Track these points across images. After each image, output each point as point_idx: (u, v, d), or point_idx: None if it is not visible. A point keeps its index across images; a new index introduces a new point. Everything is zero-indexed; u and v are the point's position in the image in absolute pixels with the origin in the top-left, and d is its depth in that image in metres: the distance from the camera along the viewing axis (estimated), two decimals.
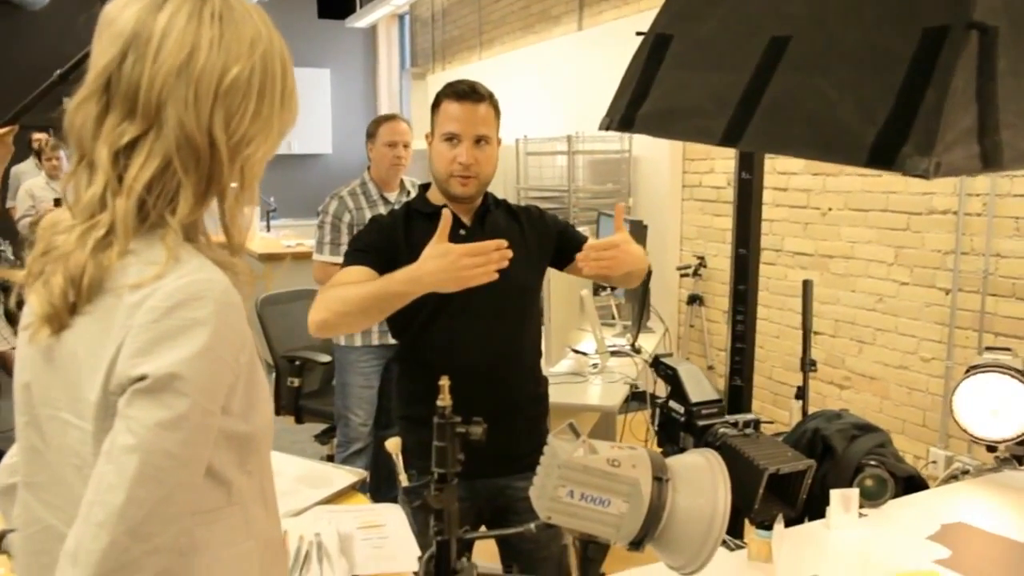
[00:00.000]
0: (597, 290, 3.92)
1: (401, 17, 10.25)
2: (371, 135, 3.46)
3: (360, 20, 9.04)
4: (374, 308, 1.72)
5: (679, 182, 5.36)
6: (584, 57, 6.10)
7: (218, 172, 0.94)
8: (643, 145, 5.47)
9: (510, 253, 1.63)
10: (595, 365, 3.34)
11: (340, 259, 3.16)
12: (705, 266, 5.14)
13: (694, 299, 5.19)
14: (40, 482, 0.99)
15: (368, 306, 1.71)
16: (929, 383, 3.78)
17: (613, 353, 3.47)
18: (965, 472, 3.53)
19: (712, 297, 5.14)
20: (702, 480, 1.16)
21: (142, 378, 0.84)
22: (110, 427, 0.86)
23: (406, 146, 3.47)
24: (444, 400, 1.25)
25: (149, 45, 0.91)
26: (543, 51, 6.73)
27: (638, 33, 1.48)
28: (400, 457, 1.95)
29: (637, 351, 3.55)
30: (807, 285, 2.37)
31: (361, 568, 1.58)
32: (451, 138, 1.88)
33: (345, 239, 3.33)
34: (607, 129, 1.49)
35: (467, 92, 1.90)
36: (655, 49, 1.43)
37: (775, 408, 4.57)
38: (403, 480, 1.94)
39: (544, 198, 5.91)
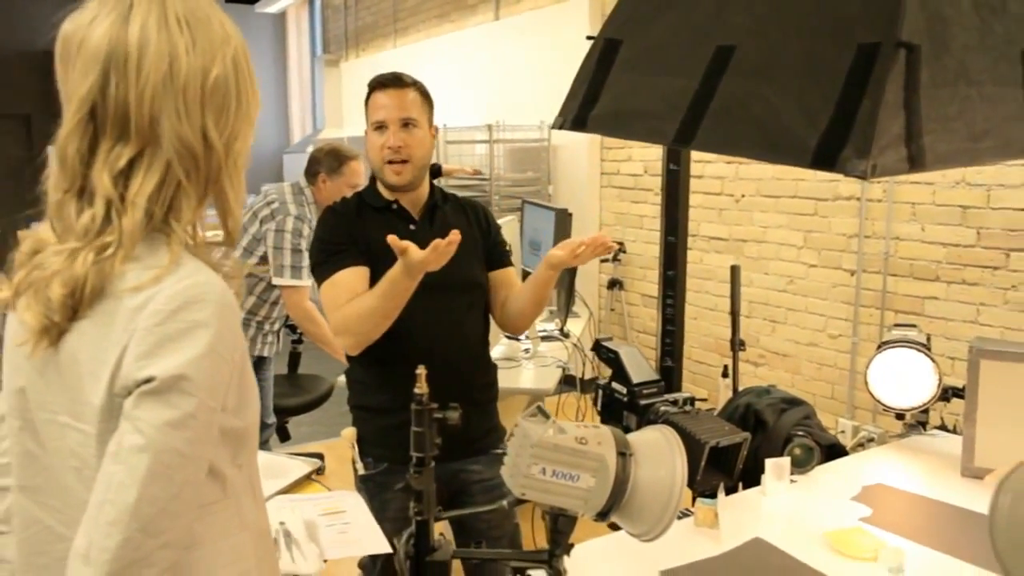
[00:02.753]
0: (524, 277, 4.02)
1: (311, 2, 10.09)
2: (334, 170, 3.33)
3: (269, 5, 8.87)
4: (390, 308, 1.81)
5: (597, 170, 5.51)
6: (502, 47, 6.18)
7: (216, 172, 0.97)
8: (562, 134, 5.57)
9: (457, 238, 1.70)
10: (527, 350, 3.45)
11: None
12: (624, 251, 5.31)
13: (614, 283, 5.36)
14: (37, 485, 1.00)
15: (383, 311, 1.81)
16: (837, 358, 4.03)
17: (543, 338, 3.59)
18: (870, 440, 3.80)
19: (632, 281, 5.32)
20: (661, 454, 1.26)
21: (149, 380, 0.87)
22: (114, 428, 0.88)
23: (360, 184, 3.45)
24: (421, 388, 1.32)
25: (128, 63, 0.92)
26: (460, 40, 6.77)
27: (588, 37, 1.57)
28: (356, 446, 2.02)
29: (566, 335, 3.68)
30: (735, 270, 2.52)
31: (329, 553, 1.64)
32: (379, 126, 1.93)
33: (306, 258, 3.25)
34: (560, 128, 1.58)
35: (391, 80, 1.97)
36: (605, 53, 1.52)
37: (695, 387, 4.78)
38: (360, 468, 2.00)
39: (465, 187, 5.97)
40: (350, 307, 1.85)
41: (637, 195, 5.20)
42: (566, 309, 3.78)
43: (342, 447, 2.15)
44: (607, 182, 5.46)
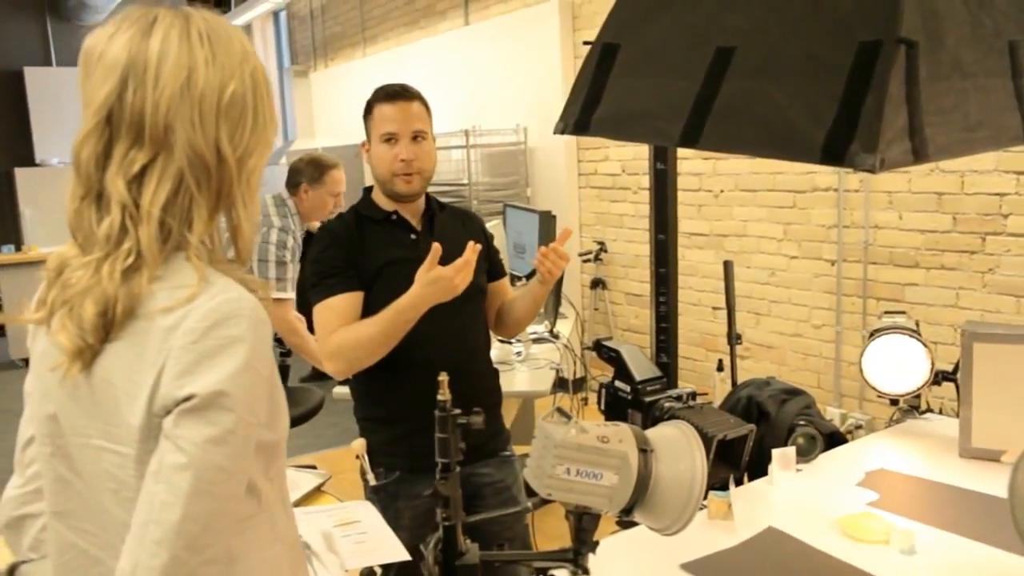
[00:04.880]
0: (513, 280, 4.04)
1: (276, 14, 10.04)
2: (315, 180, 3.36)
3: (234, 18, 8.79)
4: (390, 339, 1.85)
5: (575, 171, 5.55)
6: (473, 52, 6.19)
7: (228, 186, 0.98)
8: (539, 136, 5.63)
9: (479, 247, 1.81)
10: (519, 353, 3.46)
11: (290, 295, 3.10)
12: (606, 251, 5.35)
13: (597, 283, 5.40)
14: (70, 510, 1.00)
15: (383, 341, 1.85)
16: (821, 348, 4.10)
17: (535, 340, 3.61)
18: (859, 427, 3.86)
19: (614, 280, 5.36)
20: (680, 449, 1.29)
21: (189, 398, 0.87)
22: (153, 449, 0.89)
23: (342, 192, 3.47)
24: (444, 394, 1.33)
25: (147, 72, 0.93)
26: (431, 46, 6.78)
27: (585, 42, 1.59)
28: (366, 457, 2.02)
29: (556, 337, 3.71)
30: (728, 265, 2.56)
31: (349, 563, 1.64)
32: (389, 138, 1.95)
33: (291, 271, 3.26)
34: (562, 133, 1.60)
35: (398, 92, 1.99)
36: (604, 57, 1.55)
37: (682, 381, 4.82)
38: (371, 479, 2.01)
39: (443, 193, 5.98)
40: (347, 333, 1.86)
41: (615, 194, 5.25)
42: (555, 311, 3.81)
43: (336, 458, 2.16)
44: (585, 183, 5.49)
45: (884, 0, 1.16)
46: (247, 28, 10.01)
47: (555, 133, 1.60)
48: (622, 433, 1.28)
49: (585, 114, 1.54)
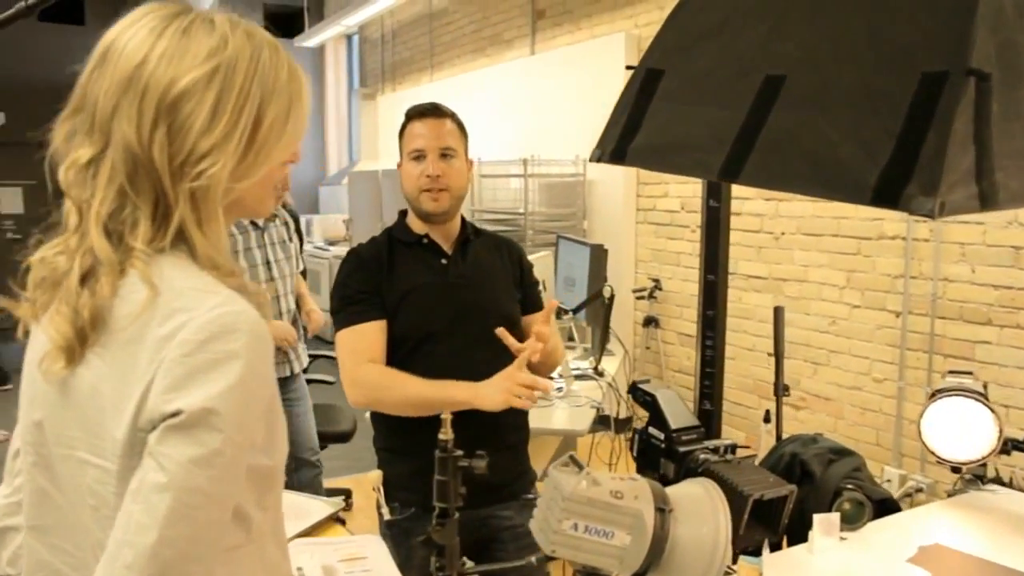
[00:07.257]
0: (559, 314, 3.94)
1: (349, 37, 10.23)
2: None
3: (309, 40, 9.00)
4: (424, 409, 1.78)
5: (633, 205, 5.44)
6: (537, 81, 6.16)
7: (165, 192, 0.88)
8: (597, 169, 5.53)
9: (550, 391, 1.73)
10: (560, 389, 3.35)
11: None
12: (660, 288, 5.21)
13: (650, 321, 5.26)
14: (47, 525, 0.95)
15: (420, 407, 1.80)
16: (882, 403, 3.88)
17: (577, 377, 3.49)
18: (919, 490, 3.62)
19: (668, 319, 5.20)
20: (703, 510, 1.18)
21: (176, 414, 0.81)
22: (136, 465, 0.83)
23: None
24: (446, 434, 1.24)
25: (108, 58, 0.89)
26: (496, 74, 6.78)
27: (628, 67, 1.50)
28: (382, 490, 1.94)
29: (600, 374, 3.58)
30: (779, 311, 2.42)
31: None
32: (417, 155, 1.90)
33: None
34: (598, 161, 1.51)
35: (429, 110, 1.95)
36: (646, 83, 1.45)
37: (732, 429, 4.63)
38: (385, 513, 1.92)
39: (499, 220, 5.93)
40: (389, 378, 1.81)
41: (673, 231, 5.11)
42: (601, 347, 3.69)
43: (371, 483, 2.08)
44: (643, 218, 5.37)
45: (952, 28, 1.04)
46: (320, 50, 10.22)
47: (590, 160, 1.51)
48: (638, 489, 1.17)
49: (623, 142, 1.45)
